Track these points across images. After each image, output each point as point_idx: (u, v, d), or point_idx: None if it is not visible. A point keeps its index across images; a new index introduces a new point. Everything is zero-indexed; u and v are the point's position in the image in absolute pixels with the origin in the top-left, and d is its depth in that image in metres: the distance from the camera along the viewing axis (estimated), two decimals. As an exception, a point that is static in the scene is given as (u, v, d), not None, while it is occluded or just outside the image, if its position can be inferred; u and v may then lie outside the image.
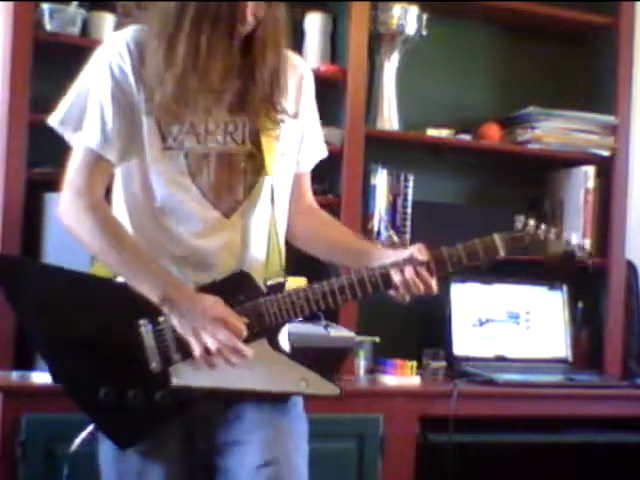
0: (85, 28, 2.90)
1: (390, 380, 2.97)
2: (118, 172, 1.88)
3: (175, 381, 1.80)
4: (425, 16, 3.29)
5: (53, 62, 2.89)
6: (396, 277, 1.83)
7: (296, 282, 2.71)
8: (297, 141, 1.97)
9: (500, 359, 3.31)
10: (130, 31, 1.83)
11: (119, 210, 1.88)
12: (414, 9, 3.26)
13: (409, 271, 1.84)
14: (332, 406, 2.60)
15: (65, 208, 1.83)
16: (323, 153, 2.08)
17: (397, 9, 3.24)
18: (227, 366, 1.77)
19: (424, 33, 3.30)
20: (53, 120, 1.86)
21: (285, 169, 1.94)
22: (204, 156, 1.83)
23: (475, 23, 3.51)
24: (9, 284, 1.85)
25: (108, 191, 1.89)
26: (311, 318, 2.87)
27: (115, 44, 1.82)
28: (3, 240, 2.70)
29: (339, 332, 2.87)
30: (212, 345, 1.74)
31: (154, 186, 1.83)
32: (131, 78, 1.80)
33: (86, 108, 1.82)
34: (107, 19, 2.91)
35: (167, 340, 1.80)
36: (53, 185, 2.68)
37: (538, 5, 3.40)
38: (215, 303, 1.77)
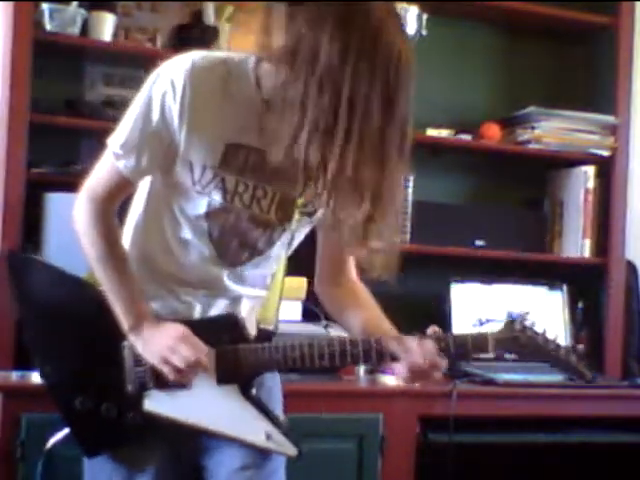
0: (85, 28, 2.91)
1: (390, 380, 2.96)
2: (143, 191, 1.85)
3: (147, 406, 1.83)
4: (425, 16, 3.29)
5: (53, 62, 2.90)
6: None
7: (297, 282, 2.73)
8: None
9: (500, 359, 3.30)
10: (195, 58, 1.70)
11: (131, 227, 1.87)
12: (414, 9, 3.26)
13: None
14: (332, 406, 2.61)
15: (78, 213, 1.82)
16: None
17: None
18: (198, 403, 1.80)
19: (424, 33, 3.30)
20: (113, 144, 1.76)
21: (306, 228, 1.90)
22: (224, 211, 1.79)
23: (475, 23, 3.51)
24: (17, 281, 1.88)
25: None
26: (310, 319, 2.88)
27: (175, 73, 1.70)
28: (3, 240, 2.70)
29: (339, 332, 2.86)
30: (179, 363, 1.75)
31: (171, 218, 1.82)
32: (176, 119, 1.70)
33: (138, 140, 1.73)
34: (107, 19, 2.91)
35: (145, 365, 1.82)
36: (53, 185, 2.70)
37: (538, 5, 3.40)
38: (174, 325, 1.79)
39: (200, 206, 1.79)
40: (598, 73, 3.58)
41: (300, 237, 1.91)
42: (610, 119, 3.45)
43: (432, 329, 1.81)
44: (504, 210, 3.47)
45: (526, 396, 3.01)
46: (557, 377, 3.21)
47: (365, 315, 1.91)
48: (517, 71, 3.61)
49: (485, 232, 3.35)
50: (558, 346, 1.83)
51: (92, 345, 1.85)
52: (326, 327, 2.82)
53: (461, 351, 1.79)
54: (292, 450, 1.84)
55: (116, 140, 1.76)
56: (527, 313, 1.85)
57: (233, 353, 1.81)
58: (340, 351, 1.78)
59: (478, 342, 1.80)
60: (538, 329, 1.81)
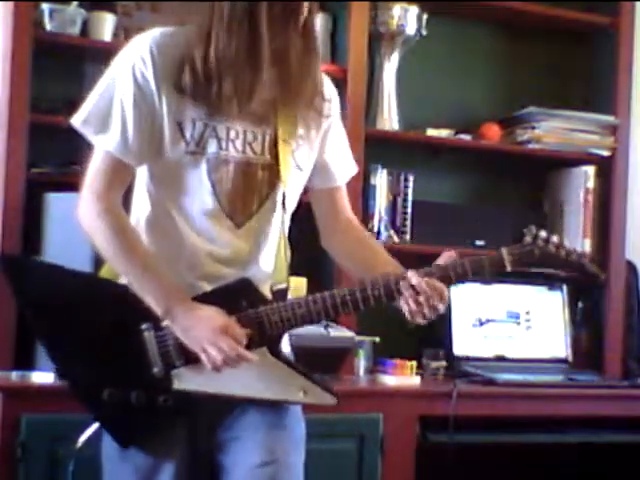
0: (85, 28, 2.90)
1: (390, 380, 2.96)
2: (140, 176, 1.88)
3: (177, 385, 1.81)
4: (425, 16, 3.29)
5: (53, 62, 2.90)
6: (402, 290, 1.82)
7: (297, 282, 2.73)
8: (314, 156, 1.97)
9: (500, 359, 3.31)
10: (155, 34, 1.81)
11: (139, 213, 1.88)
12: (414, 9, 3.26)
13: (415, 282, 1.81)
14: (332, 406, 2.61)
15: (83, 211, 1.82)
16: (354, 169, 2.11)
17: (397, 9, 3.24)
18: (228, 373, 1.78)
19: (424, 33, 3.30)
20: (76, 120, 1.84)
21: (298, 181, 1.95)
22: (224, 163, 1.84)
23: (475, 23, 3.51)
24: (16, 283, 1.86)
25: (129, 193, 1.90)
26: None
27: (139, 48, 1.80)
28: (3, 240, 2.69)
29: (339, 332, 2.87)
30: (217, 356, 1.76)
31: (172, 192, 1.84)
32: (152, 84, 1.79)
33: (108, 110, 1.80)
34: (107, 19, 2.91)
35: (169, 345, 1.81)
36: (53, 185, 2.70)
37: (538, 5, 3.41)
38: (215, 314, 1.78)
39: (200, 171, 1.82)
40: (598, 73, 3.58)
41: (292, 199, 1.94)
42: (610, 119, 3.45)
43: (448, 254, 1.85)
44: (504, 210, 3.47)
45: (526, 396, 3.01)
46: (557, 377, 3.22)
47: (368, 254, 1.99)
48: (517, 71, 3.61)
49: (485, 232, 3.35)
50: (569, 251, 1.88)
51: (109, 335, 1.82)
52: (326, 327, 2.82)
53: (478, 274, 1.85)
54: (330, 399, 1.86)
55: (93, 121, 1.81)
56: (537, 227, 1.89)
57: (256, 316, 1.81)
58: (362, 296, 1.82)
59: (495, 262, 1.85)
60: (548, 237, 1.87)
